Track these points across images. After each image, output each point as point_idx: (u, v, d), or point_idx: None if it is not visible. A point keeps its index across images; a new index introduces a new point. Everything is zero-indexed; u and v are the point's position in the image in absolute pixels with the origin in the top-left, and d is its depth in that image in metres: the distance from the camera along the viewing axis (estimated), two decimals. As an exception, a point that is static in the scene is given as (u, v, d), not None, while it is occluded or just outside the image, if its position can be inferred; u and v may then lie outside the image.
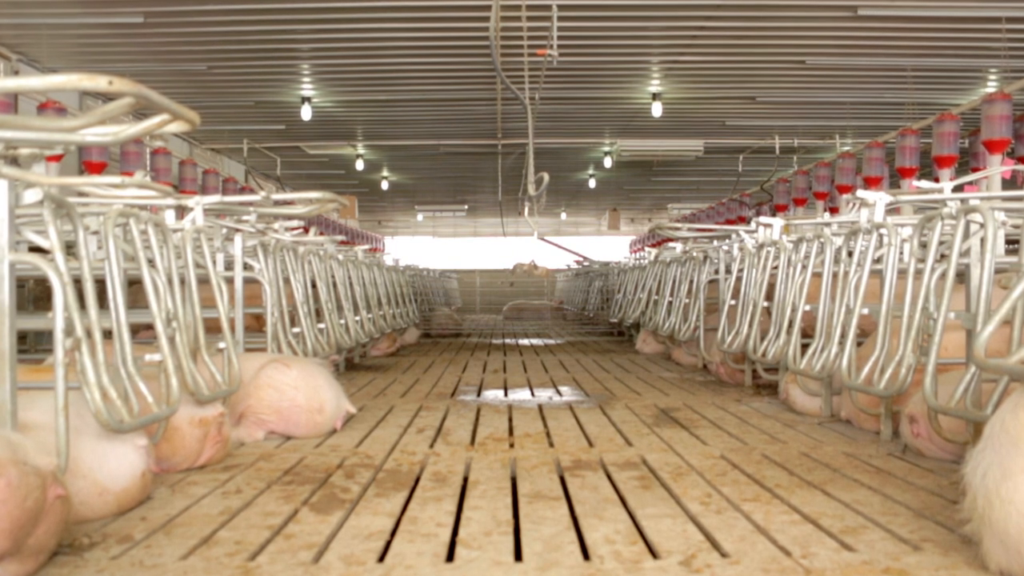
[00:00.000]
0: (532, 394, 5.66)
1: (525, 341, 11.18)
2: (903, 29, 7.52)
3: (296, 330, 4.93)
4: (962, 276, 3.33)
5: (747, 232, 5.92)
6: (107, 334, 2.66)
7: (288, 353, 4.60)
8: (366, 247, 8.28)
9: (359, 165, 14.00)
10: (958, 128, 6.42)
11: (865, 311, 3.80)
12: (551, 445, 3.79)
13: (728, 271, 6.21)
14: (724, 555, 2.22)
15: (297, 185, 15.91)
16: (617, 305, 10.54)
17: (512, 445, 3.79)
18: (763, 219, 5.49)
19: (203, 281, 3.61)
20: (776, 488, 2.91)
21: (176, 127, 2.29)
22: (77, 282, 2.49)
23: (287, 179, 14.41)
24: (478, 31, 7.24)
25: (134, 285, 4.03)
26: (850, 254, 4.04)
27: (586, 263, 17.20)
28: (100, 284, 2.74)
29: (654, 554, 2.24)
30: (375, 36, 7.83)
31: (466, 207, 19.56)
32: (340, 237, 9.56)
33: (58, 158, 5.79)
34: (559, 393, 5.70)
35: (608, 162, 13.90)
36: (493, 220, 22.70)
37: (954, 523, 2.37)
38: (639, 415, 4.64)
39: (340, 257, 6.67)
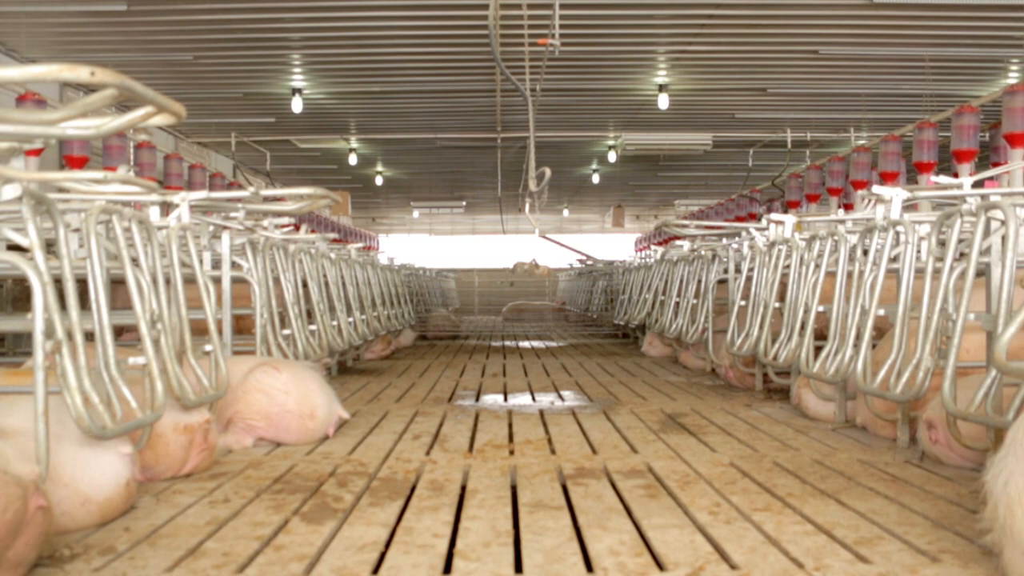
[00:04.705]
0: (533, 399, 5.62)
1: (526, 343, 11.17)
2: (921, 17, 7.49)
3: (286, 332, 4.88)
4: (982, 275, 3.25)
5: (758, 230, 5.87)
6: (89, 336, 2.61)
7: (278, 356, 4.55)
8: (359, 245, 8.17)
9: (352, 159, 13.94)
10: (978, 121, 6.31)
11: (881, 312, 3.74)
12: (553, 452, 3.75)
13: (738, 270, 6.14)
14: (734, 567, 2.18)
15: (288, 180, 15.89)
16: (622, 306, 10.49)
17: (512, 452, 3.75)
18: (774, 216, 5.45)
19: (189, 281, 3.56)
20: (788, 497, 2.87)
21: (161, 120, 2.32)
22: (58, 282, 2.44)
23: (277, 174, 14.36)
24: (477, 19, 7.18)
25: (117, 285, 3.94)
26: (865, 252, 3.99)
27: (589, 262, 17.15)
28: (82, 284, 2.68)
29: (660, 566, 2.20)
30: (369, 25, 7.76)
31: (464, 203, 19.51)
32: (332, 235, 9.51)
33: (38, 152, 5.76)
34: (561, 398, 5.66)
35: (612, 156, 13.84)
36: (492, 217, 22.69)
37: (974, 533, 2.35)
38: (645, 421, 4.60)
39: (332, 256, 6.60)
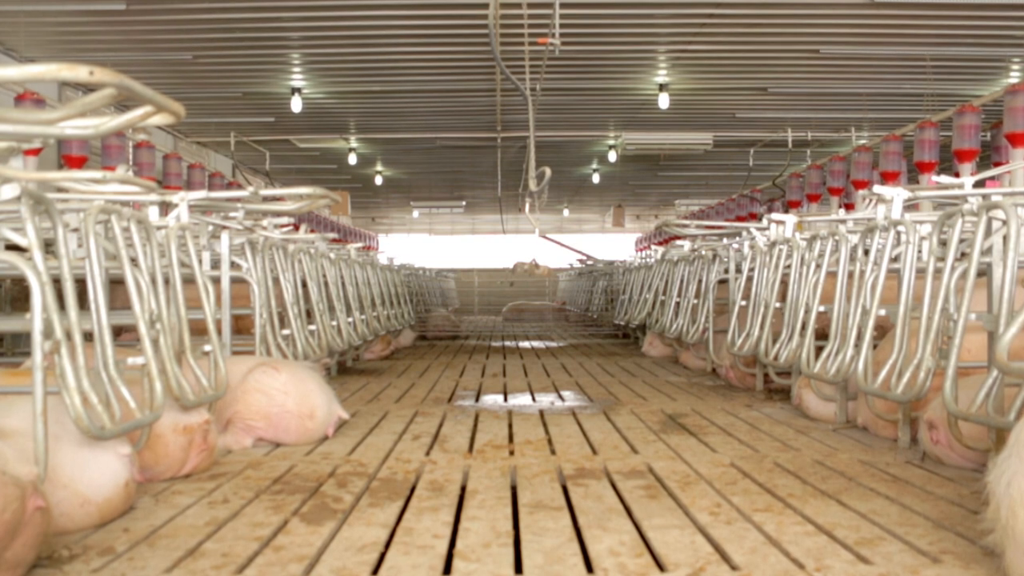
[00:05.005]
0: (533, 399, 5.60)
1: (526, 343, 11.14)
2: (922, 16, 7.46)
3: (286, 332, 4.86)
4: (984, 275, 3.24)
5: (758, 229, 5.84)
6: (88, 336, 2.60)
7: (277, 356, 4.53)
8: (359, 245, 8.15)
9: (352, 159, 13.90)
10: (979, 121, 6.28)
11: (882, 312, 3.72)
12: (553, 452, 3.73)
13: (739, 270, 6.11)
14: (734, 568, 2.17)
15: (287, 180, 15.84)
16: (622, 306, 10.46)
17: (512, 452, 3.73)
18: (775, 216, 5.41)
19: (188, 281, 3.54)
20: (789, 498, 2.86)
21: (160, 119, 2.31)
22: (56, 282, 2.43)
23: (276, 174, 14.32)
24: (477, 18, 7.15)
25: (116, 285, 3.93)
26: (866, 252, 3.98)
27: (590, 262, 17.12)
28: (80, 284, 2.67)
29: (661, 567, 2.20)
30: (368, 24, 7.74)
31: (464, 203, 19.46)
32: (332, 235, 9.46)
33: (36, 152, 5.73)
34: (561, 398, 5.64)
35: (613, 156, 13.81)
36: (492, 217, 22.65)
37: (975, 534, 2.34)
38: (645, 421, 4.58)
39: (332, 255, 6.58)
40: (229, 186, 9.19)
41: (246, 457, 3.59)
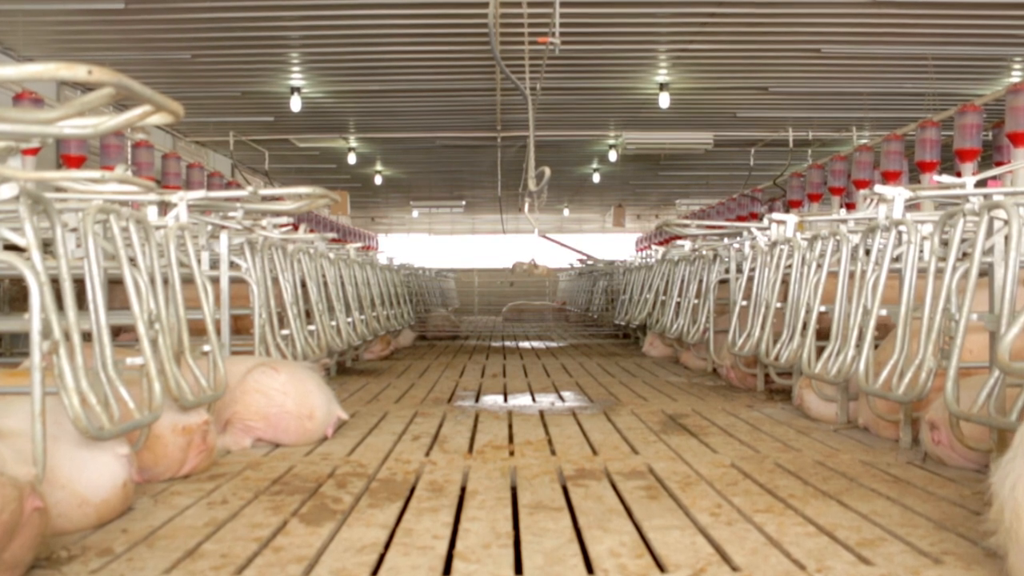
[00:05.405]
0: (533, 399, 5.59)
1: (526, 344, 11.14)
2: (924, 16, 7.46)
3: (285, 332, 4.85)
4: (985, 275, 3.23)
5: (759, 229, 5.83)
6: (86, 336, 2.59)
7: (276, 356, 4.52)
8: (358, 245, 8.16)
9: (351, 159, 13.89)
10: (981, 120, 6.28)
11: (883, 312, 3.71)
12: (553, 453, 3.72)
13: (739, 270, 6.11)
14: (735, 569, 2.16)
15: (286, 180, 15.83)
16: (622, 306, 10.45)
17: (512, 453, 3.73)
18: (776, 215, 5.40)
19: (187, 281, 3.53)
20: (790, 498, 2.85)
21: (159, 119, 2.30)
22: (55, 282, 2.42)
23: (276, 174, 14.32)
24: (477, 17, 7.14)
25: (115, 285, 3.92)
26: (867, 252, 3.97)
27: (590, 262, 17.10)
28: (79, 284, 2.67)
29: (661, 567, 2.19)
30: (368, 23, 7.74)
31: (464, 203, 19.45)
32: (331, 234, 9.46)
33: (35, 151, 5.72)
34: (561, 398, 5.63)
35: (613, 156, 13.80)
36: (492, 217, 22.63)
37: (977, 535, 2.34)
38: (646, 422, 4.57)
39: (331, 255, 6.57)
40: (228, 186, 9.18)
41: (245, 458, 3.58)
